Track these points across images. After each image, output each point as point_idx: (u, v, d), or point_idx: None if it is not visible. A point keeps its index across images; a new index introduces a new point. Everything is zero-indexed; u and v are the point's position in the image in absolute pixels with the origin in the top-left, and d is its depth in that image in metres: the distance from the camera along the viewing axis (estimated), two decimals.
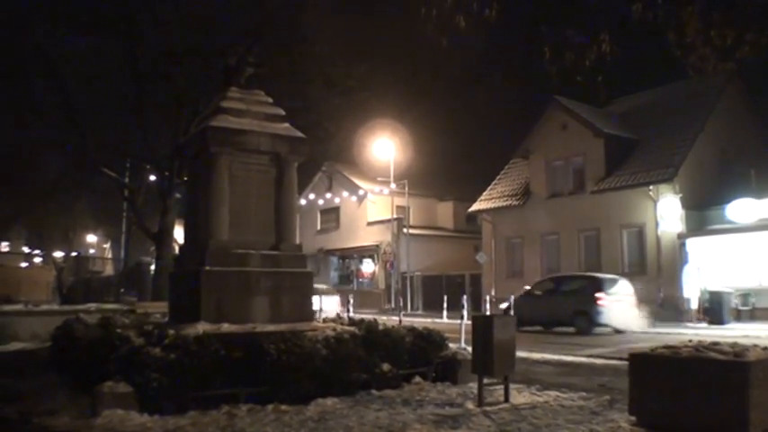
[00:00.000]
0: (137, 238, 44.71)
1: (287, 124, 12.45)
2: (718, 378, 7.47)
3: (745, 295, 29.90)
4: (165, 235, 29.01)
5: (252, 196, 11.82)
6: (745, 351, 7.78)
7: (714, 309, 28.31)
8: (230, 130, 11.58)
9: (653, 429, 7.70)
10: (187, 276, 11.69)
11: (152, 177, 32.70)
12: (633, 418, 8.22)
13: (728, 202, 30.34)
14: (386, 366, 10.59)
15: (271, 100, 12.68)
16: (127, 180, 32.10)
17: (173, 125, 26.72)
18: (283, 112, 12.61)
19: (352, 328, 11.40)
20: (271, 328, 10.64)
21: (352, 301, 26.50)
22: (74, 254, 55.64)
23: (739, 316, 29.54)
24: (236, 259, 11.31)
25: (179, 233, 26.64)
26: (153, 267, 35.39)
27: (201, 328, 10.22)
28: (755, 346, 8.30)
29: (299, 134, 12.38)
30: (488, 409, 9.25)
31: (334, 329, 11.08)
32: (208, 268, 11.01)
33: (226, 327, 10.48)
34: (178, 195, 28.22)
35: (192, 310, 10.89)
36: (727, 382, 7.37)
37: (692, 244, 31.44)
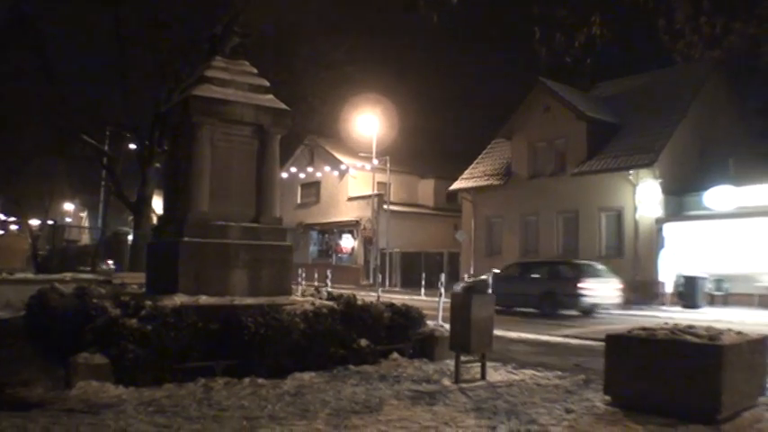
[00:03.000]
0: (115, 208, 44.48)
1: (271, 96, 12.35)
2: (692, 360, 7.51)
3: (719, 281, 30.20)
4: (144, 205, 28.88)
5: (233, 168, 11.74)
6: (719, 335, 7.84)
7: (688, 293, 28.61)
8: (213, 100, 11.47)
9: (627, 409, 7.74)
10: (165, 247, 11.61)
11: (132, 146, 32.46)
12: (608, 398, 8.26)
13: (707, 189, 30.47)
14: (364, 342, 10.59)
15: (255, 71, 12.56)
16: (106, 148, 31.82)
17: (155, 94, 26.51)
18: (267, 84, 12.51)
19: (330, 303, 11.39)
20: (249, 301, 10.62)
21: (330, 275, 26.49)
22: (50, 222, 55.18)
23: (713, 301, 29.86)
24: (215, 231, 11.24)
25: (158, 203, 26.52)
26: (131, 237, 35.25)
27: (179, 299, 10.17)
28: (729, 330, 8.35)
29: (283, 106, 12.27)
30: (465, 386, 9.28)
31: (313, 304, 11.06)
32: (187, 239, 10.94)
33: (204, 299, 10.43)
34: (158, 165, 28.07)
35: (170, 282, 10.82)
36: (702, 365, 7.42)
37: (670, 229, 31.60)
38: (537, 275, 25.61)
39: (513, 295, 24.70)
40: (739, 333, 8.31)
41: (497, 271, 27.10)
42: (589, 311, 23.95)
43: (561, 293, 24.24)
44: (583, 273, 25.04)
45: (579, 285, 23.99)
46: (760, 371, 8.36)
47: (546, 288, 24.87)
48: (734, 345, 7.69)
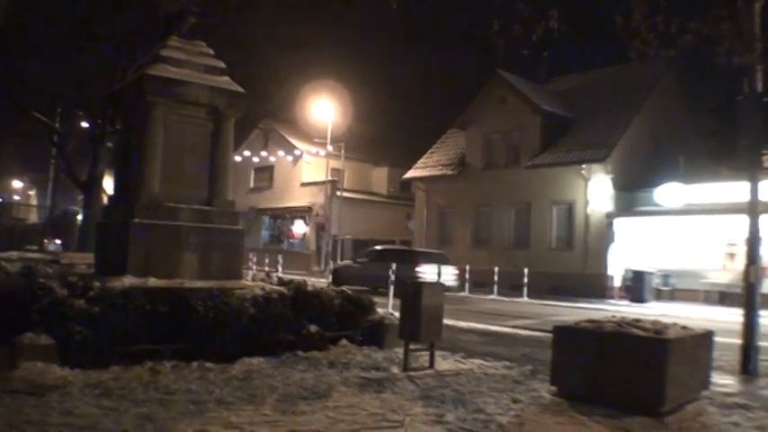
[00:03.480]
0: (64, 186, 43.88)
1: (227, 78, 12.21)
2: (638, 353, 7.63)
3: (666, 276, 30.78)
4: (95, 184, 28.51)
5: (186, 149, 11.61)
6: (665, 329, 7.97)
7: (636, 287, 29.10)
8: (168, 80, 11.32)
9: (573, 400, 7.83)
10: (115, 228, 11.46)
11: (84, 124, 31.99)
12: (554, 389, 8.35)
13: (657, 185, 30.92)
14: (313, 328, 10.57)
15: (212, 52, 12.40)
16: (57, 125, 31.33)
17: (109, 72, 26.14)
18: (224, 65, 12.37)
19: (280, 288, 11.32)
20: (199, 284, 10.54)
21: (281, 260, 26.47)
22: None
23: (659, 295, 30.41)
24: (166, 212, 11.11)
25: (109, 183, 26.21)
26: (80, 217, 34.79)
27: (128, 281, 10.05)
28: (675, 324, 8.50)
29: (239, 88, 12.15)
30: (413, 374, 9.31)
31: (263, 288, 10.99)
32: (137, 220, 10.80)
33: (153, 281, 10.33)
34: (110, 144, 27.71)
35: (119, 263, 10.69)
36: (647, 358, 7.53)
37: (620, 224, 32.02)
38: (387, 261, 26.52)
39: (371, 276, 26.92)
40: (684, 328, 8.45)
41: (363, 259, 30.17)
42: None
43: (404, 275, 25.11)
44: (421, 258, 28.57)
45: (417, 269, 26.86)
46: (703, 365, 8.51)
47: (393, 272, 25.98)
48: (679, 339, 7.82)
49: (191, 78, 11.59)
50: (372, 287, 24.99)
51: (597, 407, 7.46)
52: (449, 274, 28.31)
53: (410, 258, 28.27)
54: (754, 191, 11.35)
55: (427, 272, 27.06)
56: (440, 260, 29.11)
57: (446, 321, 10.80)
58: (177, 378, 8.21)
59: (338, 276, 28.98)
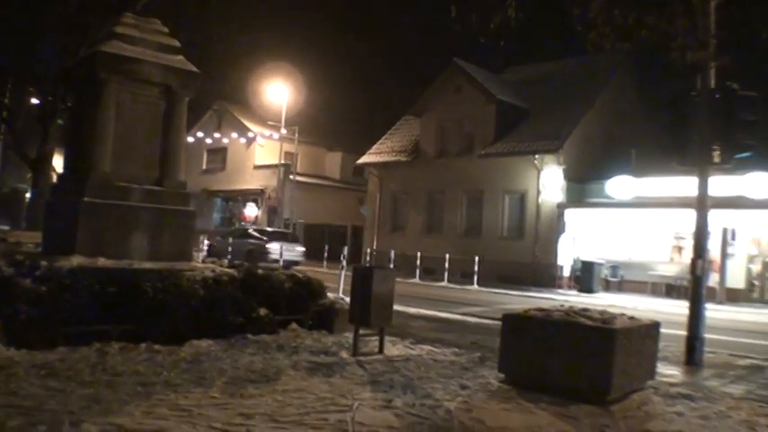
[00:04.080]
0: (13, 164, 43.15)
1: (181, 57, 12.07)
2: (585, 342, 7.70)
3: (614, 267, 31.17)
4: (44, 162, 28.05)
5: (138, 128, 11.47)
6: (612, 318, 8.06)
7: (585, 277, 29.43)
8: (121, 58, 11.16)
9: (520, 387, 7.89)
10: (64, 207, 11.29)
11: (34, 101, 31.45)
12: (502, 376, 8.41)
13: (609, 178, 31.24)
14: (263, 311, 10.54)
15: (166, 30, 12.24)
16: (6, 101, 30.76)
17: (61, 48, 25.69)
18: (178, 44, 12.22)
19: (231, 271, 11.27)
20: (148, 265, 10.43)
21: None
22: None
23: (608, 286, 30.81)
24: (117, 192, 10.98)
25: (59, 162, 25.82)
26: (28, 195, 34.28)
27: (76, 261, 9.92)
28: (622, 314, 8.61)
29: (193, 68, 12.02)
30: (363, 359, 9.32)
31: (213, 271, 10.93)
32: (87, 199, 10.66)
33: (102, 261, 10.20)
34: (60, 122, 27.28)
35: (68, 243, 10.54)
36: (594, 347, 7.61)
37: (571, 214, 32.32)
38: (247, 238, 34.63)
39: (235, 251, 32.74)
40: (632, 318, 8.56)
41: (230, 237, 35.87)
42: (287, 266, 24.80)
43: (257, 251, 32.72)
44: (271, 238, 34.65)
45: (267, 246, 33.23)
46: (649, 355, 8.63)
47: (250, 247, 33.47)
48: (626, 329, 7.91)
49: (144, 56, 11.45)
50: (235, 258, 27.65)
51: (544, 394, 7.53)
52: (294, 251, 34.34)
53: (264, 237, 34.83)
54: (702, 186, 11.51)
55: (275, 248, 33.17)
56: (290, 239, 36.02)
57: (396, 307, 10.82)
58: (125, 360, 8.13)
59: (212, 250, 33.55)
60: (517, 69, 41.71)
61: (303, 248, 35.43)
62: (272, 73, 43.48)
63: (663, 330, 9.21)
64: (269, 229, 38.87)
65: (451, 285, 29.19)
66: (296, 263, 31.57)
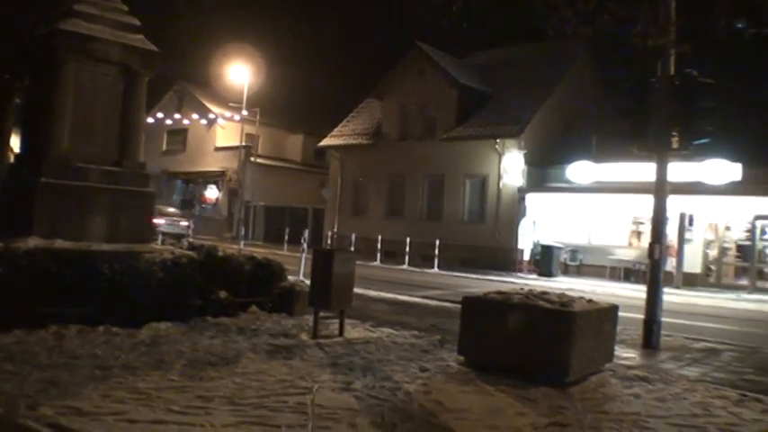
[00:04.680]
0: None
1: (141, 36, 11.89)
2: (544, 325, 7.78)
3: (574, 251, 31.44)
4: (1, 142, 27.61)
5: (97, 108, 11.31)
6: (571, 302, 8.15)
7: (545, 261, 29.63)
8: (80, 36, 10.97)
9: (480, 370, 7.95)
10: (21, 187, 11.10)
11: None
12: (461, 358, 8.48)
13: (569, 162, 31.39)
14: (223, 293, 10.50)
15: (126, 8, 12.03)
16: None
17: (18, 24, 25.26)
18: (138, 23, 12.03)
19: (190, 253, 11.20)
20: (107, 247, 10.32)
21: (192, 226, 26.24)
22: None
23: (567, 270, 31.09)
24: (75, 173, 10.84)
25: (16, 141, 25.43)
26: None
27: (33, 242, 9.78)
28: (581, 298, 8.70)
29: (153, 47, 11.86)
30: (323, 341, 9.35)
31: (173, 253, 10.86)
32: (44, 180, 10.51)
33: (59, 243, 10.07)
34: (18, 101, 26.86)
35: (25, 224, 10.38)
36: (553, 330, 7.70)
37: (531, 199, 32.47)
38: None
39: None
40: (590, 302, 8.65)
41: None
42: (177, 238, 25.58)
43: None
44: (157, 213, 32.85)
45: (153, 221, 30.90)
46: (608, 338, 8.73)
47: None
48: (584, 312, 8.00)
49: (103, 35, 11.27)
50: None
51: (503, 377, 7.59)
52: (178, 225, 36.75)
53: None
54: (661, 171, 11.63)
55: (161, 222, 34.59)
56: (172, 215, 38.80)
57: (356, 290, 10.85)
58: (83, 342, 8.06)
59: None
60: (480, 54, 41.72)
61: (187, 223, 37.18)
62: (233, 54, 43.27)
63: (621, 314, 9.33)
64: (164, 207, 39.70)
65: (412, 269, 29.28)
66: (181, 235, 31.04)
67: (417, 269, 28.99)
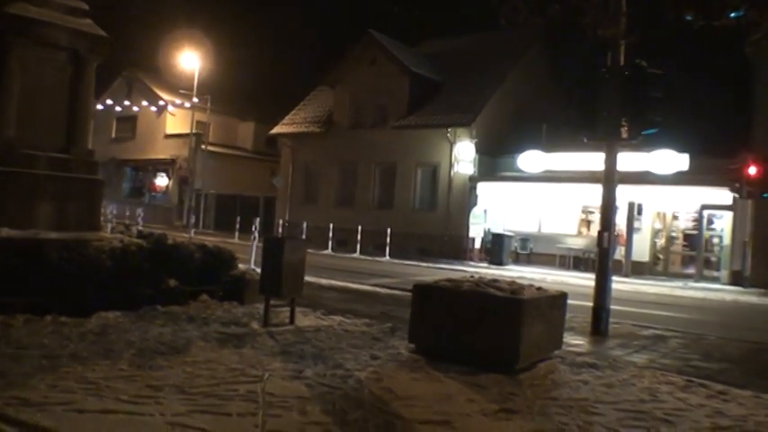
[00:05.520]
0: None
1: (89, 20, 11.71)
2: (494, 312, 7.84)
3: (524, 240, 31.75)
4: None
5: (45, 94, 11.13)
6: (521, 289, 8.23)
7: (495, 250, 29.84)
8: (26, 20, 10.77)
9: (430, 357, 8.00)
10: None
11: None
12: (412, 346, 8.52)
13: (520, 152, 31.62)
14: (173, 282, 10.42)
15: None
16: None
17: None
18: (86, 7, 11.82)
19: (140, 241, 11.08)
20: (55, 235, 10.19)
21: (142, 214, 25.90)
22: None
23: (518, 258, 31.38)
24: (21, 159, 10.66)
25: None
26: None
27: None
28: (531, 285, 8.79)
29: (102, 32, 11.69)
30: (273, 329, 9.34)
31: (122, 241, 10.74)
32: None
33: (5, 231, 9.90)
34: None
35: None
36: (503, 317, 7.76)
37: (482, 188, 32.66)
38: None
39: None
40: (540, 289, 8.74)
41: None
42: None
43: None
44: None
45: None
46: (557, 325, 8.84)
47: None
48: (534, 299, 8.08)
49: (52, 19, 11.07)
50: None
51: (453, 364, 7.64)
52: None
53: None
54: (610, 161, 11.77)
55: None
56: None
57: (307, 278, 10.85)
58: (30, 332, 7.96)
59: None
60: (432, 43, 41.77)
61: None
62: (184, 40, 42.85)
63: (570, 301, 9.44)
64: None
65: (364, 257, 29.31)
66: None
67: (369, 257, 29.03)
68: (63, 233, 10.38)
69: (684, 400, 7.07)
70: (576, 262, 30.04)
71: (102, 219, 13.30)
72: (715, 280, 27.14)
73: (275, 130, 41.62)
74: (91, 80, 11.67)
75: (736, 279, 26.23)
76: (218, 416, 5.50)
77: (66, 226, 10.78)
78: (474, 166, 32.94)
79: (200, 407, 5.66)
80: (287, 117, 41.52)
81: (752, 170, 25.24)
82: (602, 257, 11.79)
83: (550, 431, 5.77)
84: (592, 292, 11.85)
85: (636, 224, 28.49)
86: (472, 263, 29.83)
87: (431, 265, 26.73)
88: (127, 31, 25.31)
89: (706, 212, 27.97)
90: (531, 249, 31.81)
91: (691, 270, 28.35)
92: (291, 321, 9.96)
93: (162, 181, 49.86)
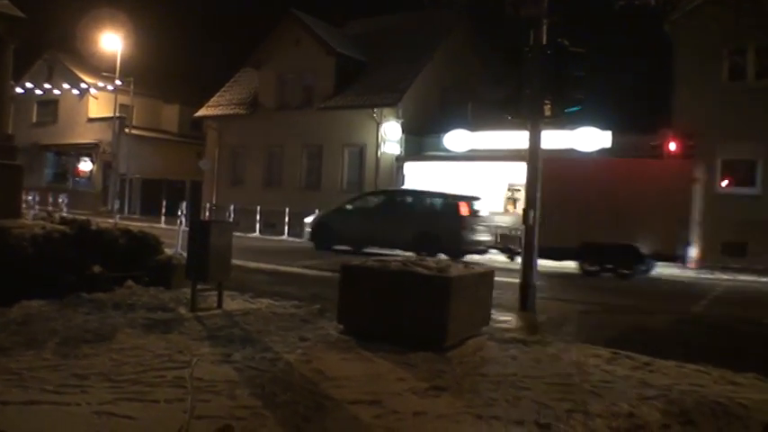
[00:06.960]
0: None
1: (6, 1, 11.43)
2: (422, 291, 7.89)
3: None
4: None
5: None
6: (447, 267, 8.31)
7: None
8: None
9: (360, 338, 8.01)
10: None
11: None
12: (341, 327, 8.52)
13: (446, 131, 31.79)
14: (97, 268, 10.27)
15: None
16: None
17: None
18: None
19: (62, 227, 10.88)
20: None
21: (66, 200, 25.36)
22: None
23: None
24: None
25: None
26: None
27: None
28: (457, 263, 8.85)
29: (19, 13, 11.41)
30: (201, 314, 9.27)
31: (44, 227, 10.53)
32: None
33: None
34: None
35: None
36: (431, 295, 7.82)
37: (410, 168, 32.79)
38: None
39: None
40: (467, 266, 8.82)
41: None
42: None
43: None
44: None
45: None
46: (484, 302, 8.94)
47: None
48: (461, 277, 8.15)
49: None
50: None
51: (383, 343, 7.66)
52: None
53: None
54: (534, 139, 11.90)
55: None
56: None
57: (235, 261, 10.77)
58: None
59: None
60: (357, 22, 41.66)
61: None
62: (106, 21, 41.98)
63: (498, 278, 9.55)
64: None
65: (292, 239, 29.24)
66: None
67: (297, 239, 28.93)
68: None
69: (611, 372, 7.21)
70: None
71: (24, 205, 13.03)
72: None
73: (200, 113, 41.12)
74: (8, 63, 11.43)
75: None
76: (145, 403, 5.44)
77: None
78: (401, 146, 33.05)
79: (127, 394, 5.59)
80: (212, 99, 41.07)
81: (672, 146, 25.75)
82: (527, 235, 11.94)
83: (480, 407, 5.83)
84: (518, 268, 12.01)
85: None
86: None
87: None
88: (47, 12, 24.72)
89: None
90: None
91: None
92: (219, 305, 9.89)
93: (86, 166, 48.93)
